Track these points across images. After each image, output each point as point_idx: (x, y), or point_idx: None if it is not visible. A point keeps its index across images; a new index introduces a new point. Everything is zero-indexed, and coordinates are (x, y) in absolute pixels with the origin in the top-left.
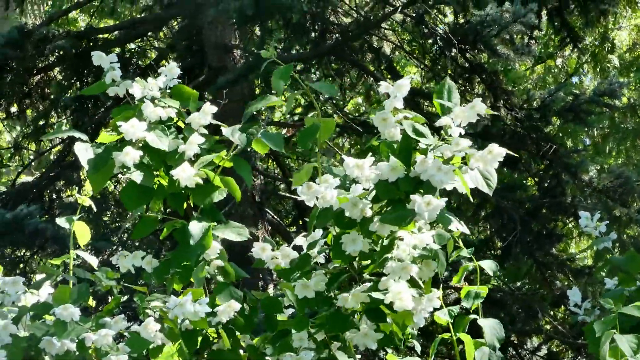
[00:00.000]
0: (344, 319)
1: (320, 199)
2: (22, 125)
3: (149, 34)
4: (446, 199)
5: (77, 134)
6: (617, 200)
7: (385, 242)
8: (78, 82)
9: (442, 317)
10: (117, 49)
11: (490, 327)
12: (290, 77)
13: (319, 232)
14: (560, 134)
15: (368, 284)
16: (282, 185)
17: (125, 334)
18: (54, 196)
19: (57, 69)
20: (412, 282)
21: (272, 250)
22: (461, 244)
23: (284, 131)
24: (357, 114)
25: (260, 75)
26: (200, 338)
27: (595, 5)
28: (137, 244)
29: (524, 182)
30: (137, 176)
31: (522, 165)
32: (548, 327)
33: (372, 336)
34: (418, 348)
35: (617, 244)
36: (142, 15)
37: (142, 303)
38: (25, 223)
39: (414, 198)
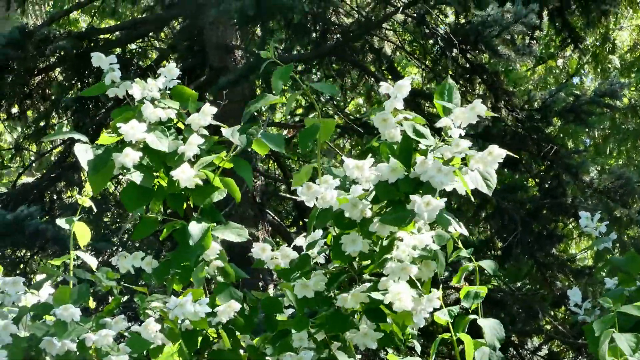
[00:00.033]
0: (343, 319)
1: (319, 199)
2: (23, 126)
3: (150, 34)
4: (445, 199)
5: (76, 136)
6: (617, 201)
7: (385, 242)
8: (79, 83)
9: (442, 317)
10: (118, 50)
11: (490, 327)
12: (290, 77)
13: (319, 233)
14: (561, 135)
15: (368, 284)
16: (283, 186)
17: (126, 334)
18: (55, 197)
19: (58, 69)
20: (411, 283)
21: (272, 250)
22: (460, 245)
23: (285, 132)
24: (358, 115)
25: (261, 75)
26: (200, 338)
27: (596, 5)
28: (137, 244)
29: (525, 182)
30: (136, 177)
31: (522, 166)
32: (548, 327)
33: (372, 336)
34: (418, 348)
35: (618, 245)
36: (143, 15)
37: (142, 303)
38: (25, 224)
39: (413, 198)
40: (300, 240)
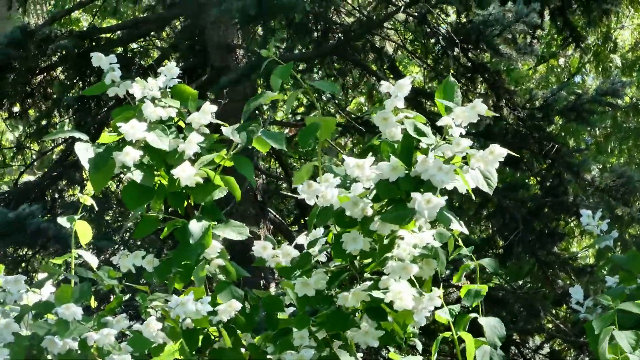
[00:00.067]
0: (344, 317)
1: (320, 197)
2: (25, 125)
3: (152, 33)
4: (446, 197)
5: (77, 134)
6: (619, 199)
7: (386, 241)
8: (80, 82)
9: (443, 316)
10: (120, 49)
11: (491, 325)
12: (291, 76)
13: (320, 231)
14: (563, 133)
15: (369, 283)
16: (284, 185)
17: (128, 333)
18: (56, 196)
19: (60, 68)
20: (411, 282)
21: (273, 249)
22: (461, 243)
23: (287, 130)
24: (359, 114)
25: (262, 75)
26: (201, 337)
27: (597, 4)
28: (138, 243)
29: (526, 181)
30: (137, 176)
31: (524, 165)
32: (550, 325)
33: (373, 334)
34: (419, 347)
35: (619, 243)
36: (145, 15)
37: (144, 302)
38: (27, 222)
39: (414, 196)
40: (302, 239)
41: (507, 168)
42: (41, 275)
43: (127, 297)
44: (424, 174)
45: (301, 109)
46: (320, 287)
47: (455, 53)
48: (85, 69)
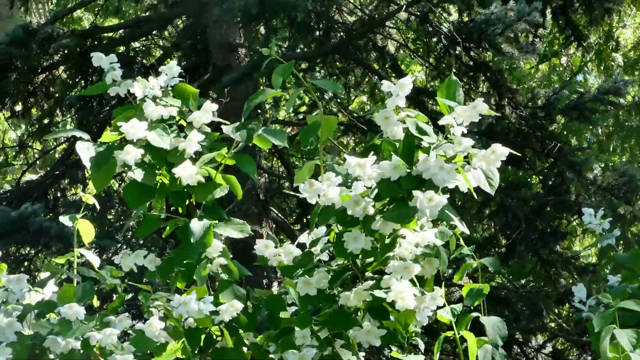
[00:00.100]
0: (347, 316)
1: (322, 196)
2: (27, 124)
3: (154, 32)
4: (448, 195)
5: (78, 133)
6: (621, 198)
7: (388, 240)
8: (83, 81)
9: (445, 316)
10: (122, 48)
11: (493, 324)
12: (293, 75)
13: (322, 230)
14: (565, 132)
15: (371, 282)
16: (287, 184)
17: (130, 332)
18: (59, 195)
19: (62, 67)
20: (412, 282)
21: (276, 247)
22: (462, 242)
23: (289, 129)
24: (361, 113)
25: (264, 73)
26: (203, 336)
27: (599, 3)
28: (141, 242)
29: (529, 180)
30: (138, 174)
31: (526, 163)
32: (553, 324)
33: (375, 333)
34: (422, 346)
35: (622, 242)
36: (147, 14)
37: (146, 301)
38: (30, 221)
39: (416, 194)
40: (304, 238)
41: (510, 167)
42: (43, 275)
43: (129, 296)
44: (425, 173)
45: (303, 108)
46: (322, 286)
47: (457, 52)
48: (87, 68)
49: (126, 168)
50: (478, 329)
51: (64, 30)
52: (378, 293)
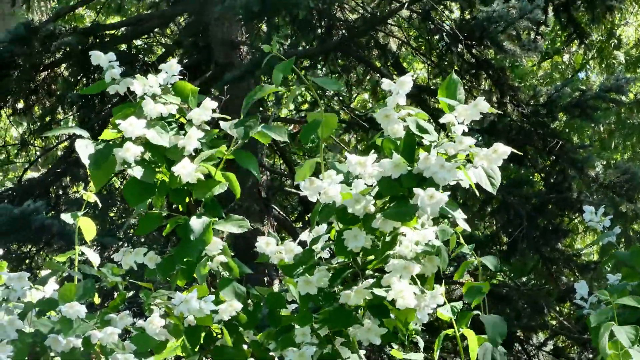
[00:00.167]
0: (347, 314)
1: (322, 194)
2: (29, 122)
3: (156, 30)
4: (449, 192)
5: (78, 131)
6: (623, 195)
7: (388, 238)
8: (84, 79)
9: (445, 314)
10: (124, 46)
11: (492, 323)
12: (292, 72)
13: (323, 228)
14: (567, 130)
15: (371, 280)
16: (288, 181)
17: (131, 329)
18: (60, 192)
19: (64, 65)
20: (413, 280)
21: (277, 245)
22: (462, 240)
23: (291, 127)
24: (363, 110)
25: (265, 71)
26: (203, 334)
27: (601, 1)
28: (142, 240)
29: (531, 177)
30: (137, 172)
31: (528, 161)
32: (554, 322)
33: (375, 331)
34: (421, 344)
35: (623, 240)
36: (149, 11)
37: (147, 299)
38: (32, 219)
39: (417, 192)
40: (305, 235)
41: (512, 164)
42: (45, 272)
43: (130, 294)
44: (426, 171)
45: (305, 106)
46: (322, 285)
47: (459, 49)
48: (89, 66)
49: (126, 166)
50: (479, 327)
51: (65, 28)
52: (378, 291)
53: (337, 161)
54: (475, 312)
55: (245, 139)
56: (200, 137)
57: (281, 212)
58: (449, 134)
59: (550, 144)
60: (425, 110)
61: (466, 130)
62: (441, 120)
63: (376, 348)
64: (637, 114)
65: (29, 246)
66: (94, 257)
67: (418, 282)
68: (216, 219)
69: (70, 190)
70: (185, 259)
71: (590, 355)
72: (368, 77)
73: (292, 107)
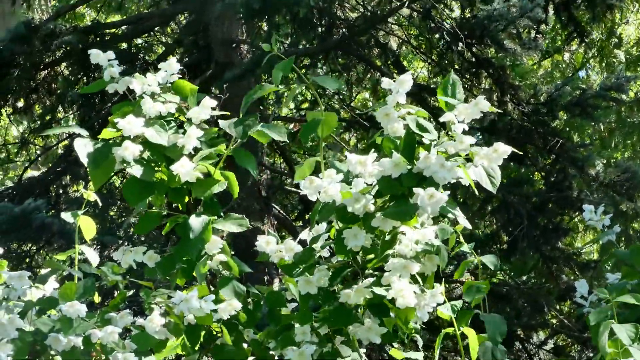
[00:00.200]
0: (347, 313)
1: (322, 193)
2: (29, 120)
3: (156, 29)
4: (449, 192)
5: (77, 130)
6: (623, 194)
7: (388, 237)
8: (85, 77)
9: (445, 312)
10: (124, 44)
11: (492, 321)
12: (292, 71)
13: (323, 227)
14: (567, 128)
15: (371, 279)
16: (289, 180)
17: (131, 328)
18: (60, 191)
19: (64, 64)
20: (413, 278)
21: (277, 244)
22: (462, 239)
23: (291, 126)
24: (364, 109)
25: (266, 69)
26: (203, 333)
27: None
28: (143, 238)
29: (531, 176)
30: (137, 171)
31: (528, 160)
32: (554, 321)
33: (376, 331)
34: (420, 342)
35: (623, 238)
36: (149, 10)
37: (147, 298)
38: (32, 217)
39: (417, 191)
40: (305, 234)
41: (512, 163)
42: (45, 271)
43: (131, 292)
44: (426, 170)
45: (305, 105)
46: (322, 284)
47: (459, 48)
48: (89, 65)
49: (125, 164)
50: (479, 326)
51: (66, 27)
52: (378, 290)
53: (338, 160)
54: (476, 310)
55: (244, 138)
56: (200, 136)
57: (281, 211)
58: (449, 132)
59: (550, 143)
60: (425, 109)
61: (466, 129)
62: (441, 119)
63: (376, 347)
64: (638, 112)
65: (29, 245)
66: (93, 257)
67: (420, 280)
68: (215, 217)
69: (71, 189)
70: (184, 258)
71: (591, 354)
72: (368, 76)
73: (292, 105)
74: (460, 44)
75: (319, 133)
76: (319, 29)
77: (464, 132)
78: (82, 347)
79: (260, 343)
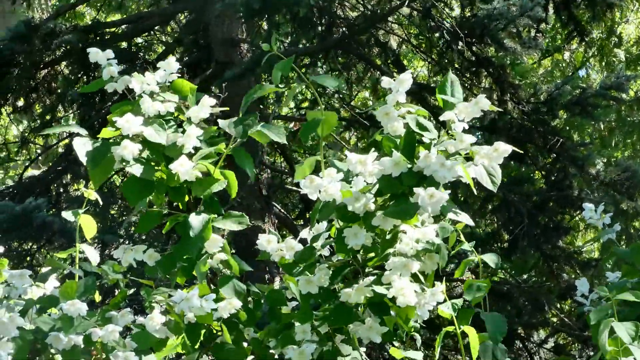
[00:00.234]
0: (347, 311)
1: (322, 192)
2: (29, 120)
3: (156, 28)
4: (449, 191)
5: (76, 129)
6: (623, 193)
7: (388, 236)
8: (85, 77)
9: (446, 311)
10: (124, 43)
11: (493, 320)
12: (292, 70)
13: (323, 225)
14: (567, 128)
15: (372, 278)
16: (289, 179)
17: (132, 327)
18: (61, 190)
19: (64, 63)
20: (414, 277)
21: (278, 243)
22: (462, 238)
23: (291, 125)
24: (364, 108)
25: (266, 69)
26: (203, 331)
27: None
28: (144, 237)
29: (531, 175)
30: (136, 169)
31: (529, 159)
32: (555, 319)
33: (376, 329)
34: (419, 341)
35: (624, 237)
36: (149, 9)
37: (148, 297)
38: (33, 216)
39: (417, 191)
40: (305, 233)
41: (512, 162)
42: (45, 270)
43: (131, 291)
44: (426, 169)
45: (305, 104)
46: (323, 284)
47: (459, 47)
48: (89, 64)
49: (124, 163)
50: (480, 324)
51: (66, 26)
52: (379, 289)
53: (338, 159)
54: (476, 309)
55: (244, 137)
56: (199, 135)
57: (282, 210)
58: (449, 131)
59: (550, 142)
60: (425, 108)
61: (466, 127)
62: (441, 118)
63: (377, 346)
64: (638, 111)
65: (30, 243)
66: (93, 256)
67: (421, 278)
68: (216, 216)
69: (71, 188)
70: (185, 257)
71: (591, 353)
72: (368, 75)
73: (292, 105)
74: (460, 43)
75: (319, 132)
76: (319, 28)
77: (464, 131)
78: (82, 346)
79: (261, 342)
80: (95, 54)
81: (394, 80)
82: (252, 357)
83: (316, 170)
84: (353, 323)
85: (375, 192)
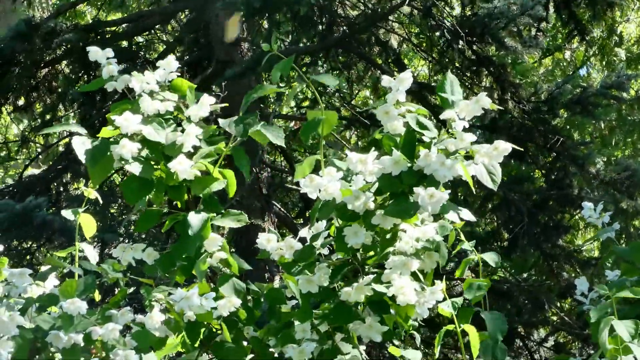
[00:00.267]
0: (347, 310)
1: (322, 191)
2: (30, 119)
3: (157, 27)
4: (449, 191)
5: (75, 128)
6: (624, 192)
7: (388, 235)
8: (85, 76)
9: (446, 309)
10: (125, 42)
11: (493, 319)
12: (291, 68)
13: (323, 224)
14: (568, 127)
15: (371, 276)
16: (289, 178)
17: (132, 325)
18: (61, 189)
19: (65, 62)
20: (414, 275)
21: (277, 241)
22: (462, 237)
23: (292, 124)
24: (364, 107)
25: (266, 68)
26: (203, 330)
27: None
28: (143, 236)
29: (532, 174)
30: (135, 168)
31: (529, 158)
32: (555, 318)
33: (376, 328)
34: (418, 340)
35: (624, 236)
36: (150, 8)
37: (148, 295)
38: (33, 215)
39: (417, 191)
40: (305, 232)
41: (512, 161)
42: (45, 269)
43: (131, 290)
44: (426, 168)
45: (306, 103)
46: (323, 283)
47: (460, 46)
48: (90, 63)
49: (123, 162)
50: (480, 323)
51: (66, 25)
52: (379, 287)
53: (338, 158)
54: (476, 308)
55: (244, 137)
56: (199, 134)
57: (282, 209)
58: (450, 130)
59: (551, 141)
60: (425, 107)
61: (467, 126)
62: (442, 117)
63: (376, 344)
64: (638, 110)
65: (30, 242)
66: (92, 254)
67: (421, 277)
68: (215, 214)
69: (71, 187)
70: (184, 255)
71: (591, 351)
72: (369, 74)
73: (292, 104)
74: (461, 42)
75: (320, 131)
76: (320, 27)
77: (465, 130)
78: (82, 345)
79: (260, 340)
80: (95, 53)
81: (394, 79)
82: (251, 355)
83: (316, 169)
84: (353, 322)
85: (375, 191)
